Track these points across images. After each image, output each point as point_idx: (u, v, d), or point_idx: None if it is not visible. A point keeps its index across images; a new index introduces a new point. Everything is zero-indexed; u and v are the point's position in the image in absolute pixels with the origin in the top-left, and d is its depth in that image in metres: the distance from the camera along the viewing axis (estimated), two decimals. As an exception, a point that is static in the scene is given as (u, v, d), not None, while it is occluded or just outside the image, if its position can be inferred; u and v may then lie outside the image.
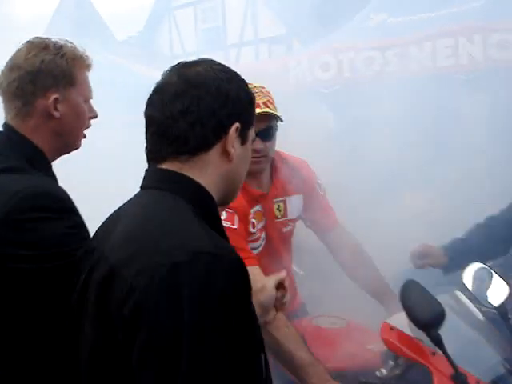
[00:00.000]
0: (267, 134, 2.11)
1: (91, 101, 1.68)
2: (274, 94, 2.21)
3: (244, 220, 2.09)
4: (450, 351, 1.59)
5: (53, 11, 12.45)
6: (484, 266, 1.95)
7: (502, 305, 1.89)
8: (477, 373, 1.66)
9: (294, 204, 2.34)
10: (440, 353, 1.61)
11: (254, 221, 2.17)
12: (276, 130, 2.16)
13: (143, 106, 1.26)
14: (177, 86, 1.20)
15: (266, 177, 2.25)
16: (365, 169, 3.93)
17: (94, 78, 1.67)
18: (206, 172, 1.21)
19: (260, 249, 2.21)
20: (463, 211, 3.32)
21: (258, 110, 1.92)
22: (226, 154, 1.22)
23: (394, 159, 4.10)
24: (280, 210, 2.28)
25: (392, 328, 1.80)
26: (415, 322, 1.60)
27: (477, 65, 5.46)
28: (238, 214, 2.05)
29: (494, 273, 1.92)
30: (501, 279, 1.90)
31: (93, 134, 1.72)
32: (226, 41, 12.54)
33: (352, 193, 3.16)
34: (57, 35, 1.64)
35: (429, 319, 1.57)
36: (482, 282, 1.92)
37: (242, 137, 1.25)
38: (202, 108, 1.18)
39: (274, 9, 11.46)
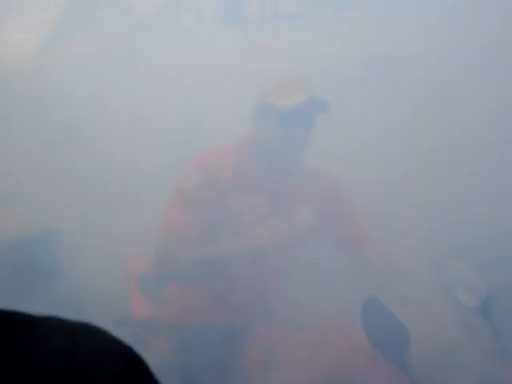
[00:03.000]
0: None
1: None
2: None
3: None
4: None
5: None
6: (461, 263, 1.79)
7: (485, 303, 1.74)
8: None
9: None
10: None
11: None
12: None
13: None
14: None
15: None
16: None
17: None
18: None
19: None
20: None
21: None
22: None
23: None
24: None
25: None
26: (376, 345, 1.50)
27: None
28: None
29: (471, 270, 1.76)
30: (478, 276, 1.74)
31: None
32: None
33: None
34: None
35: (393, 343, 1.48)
36: (461, 279, 1.77)
37: None
38: None
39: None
